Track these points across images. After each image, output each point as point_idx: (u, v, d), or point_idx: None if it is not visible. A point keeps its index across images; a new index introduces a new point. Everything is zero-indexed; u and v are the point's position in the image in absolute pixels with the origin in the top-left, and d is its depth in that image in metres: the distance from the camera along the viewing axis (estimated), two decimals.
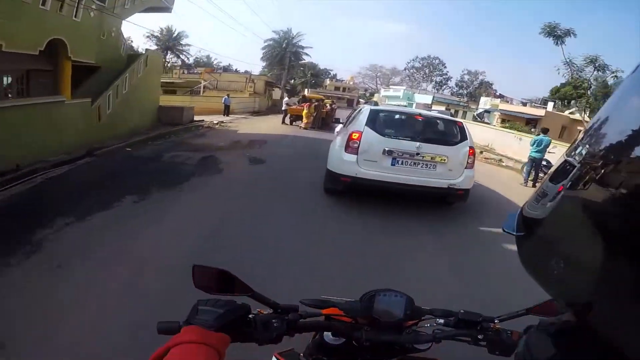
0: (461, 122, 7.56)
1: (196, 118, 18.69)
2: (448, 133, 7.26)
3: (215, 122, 17.50)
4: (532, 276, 0.79)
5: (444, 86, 78.87)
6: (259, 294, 1.04)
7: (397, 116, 7.79)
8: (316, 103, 21.86)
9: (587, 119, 27.53)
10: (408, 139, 6.72)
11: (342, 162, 6.87)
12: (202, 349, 0.82)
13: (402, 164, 6.79)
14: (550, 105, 39.04)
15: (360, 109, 8.27)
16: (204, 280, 1.00)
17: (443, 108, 44.13)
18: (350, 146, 6.75)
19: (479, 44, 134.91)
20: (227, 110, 24.33)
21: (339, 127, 11.12)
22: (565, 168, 0.86)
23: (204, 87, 31.64)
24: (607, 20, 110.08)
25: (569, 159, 0.86)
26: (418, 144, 6.63)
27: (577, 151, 0.83)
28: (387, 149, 6.69)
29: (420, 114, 7.51)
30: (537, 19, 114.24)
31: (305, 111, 20.83)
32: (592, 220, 0.69)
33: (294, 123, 22.41)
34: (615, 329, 0.61)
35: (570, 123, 32.65)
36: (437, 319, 1.19)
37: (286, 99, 25.95)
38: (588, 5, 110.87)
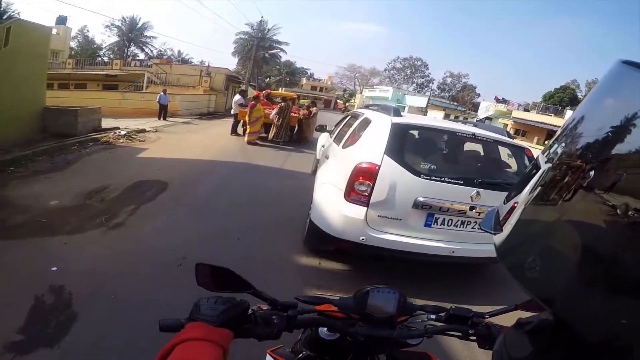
0: (530, 150, 4.58)
1: (112, 124, 12.71)
2: (517, 170, 4.49)
3: (124, 132, 11.37)
4: (511, 274, 0.76)
5: (426, 88, 76.64)
6: (259, 291, 1.03)
7: (437, 138, 4.74)
8: (282, 104, 13.85)
9: None
10: (459, 183, 3.78)
11: (338, 217, 3.90)
12: (207, 346, 0.82)
13: (443, 224, 3.91)
14: (568, 113, 34.26)
15: (368, 119, 4.81)
16: (206, 278, 1.00)
17: (441, 114, 39.49)
18: (357, 190, 3.80)
19: (461, 47, 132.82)
20: (163, 112, 17.80)
21: (323, 137, 8.06)
22: (531, 173, 0.86)
23: (151, 81, 25.65)
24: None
25: (541, 156, 0.86)
26: (475, 190, 3.76)
27: (552, 150, 0.83)
28: (422, 199, 3.74)
29: (474, 135, 4.25)
30: (520, 22, 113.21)
31: (247, 115, 13.02)
32: (569, 218, 0.69)
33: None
34: (593, 327, 0.62)
35: None
36: (429, 315, 1.21)
37: (237, 97, 15.23)
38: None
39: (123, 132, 11.31)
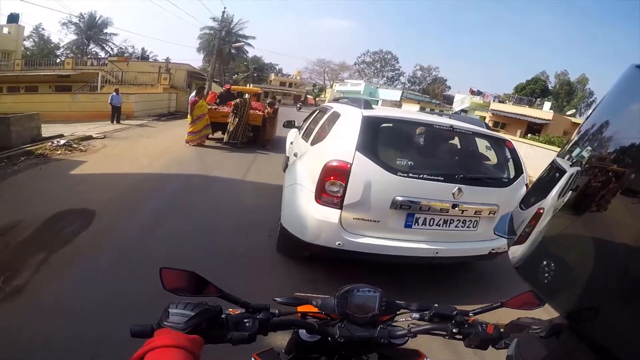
0: (510, 142, 4.31)
1: (59, 130, 11.41)
2: (497, 163, 4.26)
3: (63, 142, 9.63)
4: (524, 279, 0.81)
5: (396, 82, 76.74)
6: (228, 294, 1.01)
7: (413, 131, 4.43)
8: (237, 100, 11.91)
9: None
10: (439, 179, 3.57)
11: (311, 222, 3.62)
12: (177, 353, 0.80)
13: (424, 224, 3.66)
14: (546, 105, 33.96)
15: (337, 112, 4.47)
16: (173, 283, 0.97)
17: (416, 107, 38.80)
18: (328, 191, 3.54)
19: (430, 39, 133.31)
20: (116, 115, 15.91)
21: (291, 133, 7.76)
22: (551, 176, 0.87)
23: (106, 80, 23.55)
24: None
25: (561, 160, 0.87)
26: (456, 187, 3.56)
27: (575, 153, 0.83)
28: (399, 198, 3.49)
29: (452, 127, 3.96)
30: (489, 17, 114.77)
31: (188, 113, 11.50)
32: (596, 223, 0.69)
33: (210, 136, 12.51)
34: (606, 331, 0.62)
35: (572, 127, 27.93)
36: (412, 314, 1.20)
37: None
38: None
39: (62, 142, 9.74)
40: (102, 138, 11.62)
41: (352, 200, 3.49)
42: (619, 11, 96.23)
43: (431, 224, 3.69)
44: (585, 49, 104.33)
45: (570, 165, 0.82)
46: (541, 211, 0.82)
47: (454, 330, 1.11)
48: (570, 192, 0.76)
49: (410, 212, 3.58)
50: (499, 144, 4.27)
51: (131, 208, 5.55)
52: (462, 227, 3.79)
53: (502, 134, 5.01)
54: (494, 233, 1.11)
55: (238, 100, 11.88)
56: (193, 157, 9.99)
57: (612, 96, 0.83)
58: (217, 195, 6.68)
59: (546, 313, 0.86)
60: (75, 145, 9.82)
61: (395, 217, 3.60)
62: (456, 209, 3.62)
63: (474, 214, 3.75)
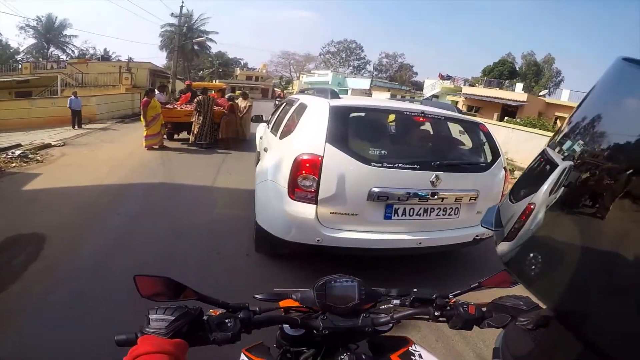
0: (484, 125, 4.20)
1: (18, 139, 10.93)
2: (473, 148, 4.22)
3: (18, 153, 8.93)
4: (511, 271, 0.83)
5: (363, 70, 76.93)
6: (206, 296, 1.01)
7: (383, 119, 4.35)
8: (200, 97, 11.17)
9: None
10: (415, 168, 3.51)
11: (287, 219, 3.51)
12: (161, 358, 0.80)
13: (404, 214, 3.60)
14: (519, 86, 34.17)
15: (304, 104, 4.32)
16: (149, 290, 0.96)
17: (387, 95, 38.63)
18: (301, 186, 3.42)
19: (392, 27, 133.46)
20: (77, 119, 15.09)
21: (260, 128, 7.67)
22: (542, 168, 0.86)
23: (66, 83, 22.67)
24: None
25: (552, 152, 0.84)
26: (433, 174, 3.50)
27: (566, 146, 0.81)
28: (376, 190, 3.42)
29: (423, 113, 3.92)
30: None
31: (141, 115, 10.76)
32: (587, 221, 0.68)
33: (176, 137, 12.27)
34: (592, 324, 0.62)
35: (545, 108, 28.20)
36: (393, 300, 1.21)
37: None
38: None
39: (17, 153, 9.02)
40: (62, 145, 10.84)
41: (326, 194, 3.40)
42: None
43: (411, 214, 3.63)
44: (547, 27, 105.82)
45: (562, 159, 0.80)
46: (532, 207, 0.80)
47: (436, 314, 1.13)
48: (563, 188, 0.74)
49: (388, 203, 3.52)
50: (472, 129, 4.23)
51: (87, 227, 4.91)
52: (443, 215, 3.75)
53: (475, 118, 4.97)
54: (481, 225, 1.10)
55: (201, 97, 11.15)
56: (157, 163, 9.25)
57: (601, 89, 0.82)
58: (184, 208, 5.99)
59: (522, 290, 0.86)
60: (31, 156, 9.06)
61: (374, 209, 3.53)
62: (435, 197, 3.55)
63: (455, 201, 3.72)
